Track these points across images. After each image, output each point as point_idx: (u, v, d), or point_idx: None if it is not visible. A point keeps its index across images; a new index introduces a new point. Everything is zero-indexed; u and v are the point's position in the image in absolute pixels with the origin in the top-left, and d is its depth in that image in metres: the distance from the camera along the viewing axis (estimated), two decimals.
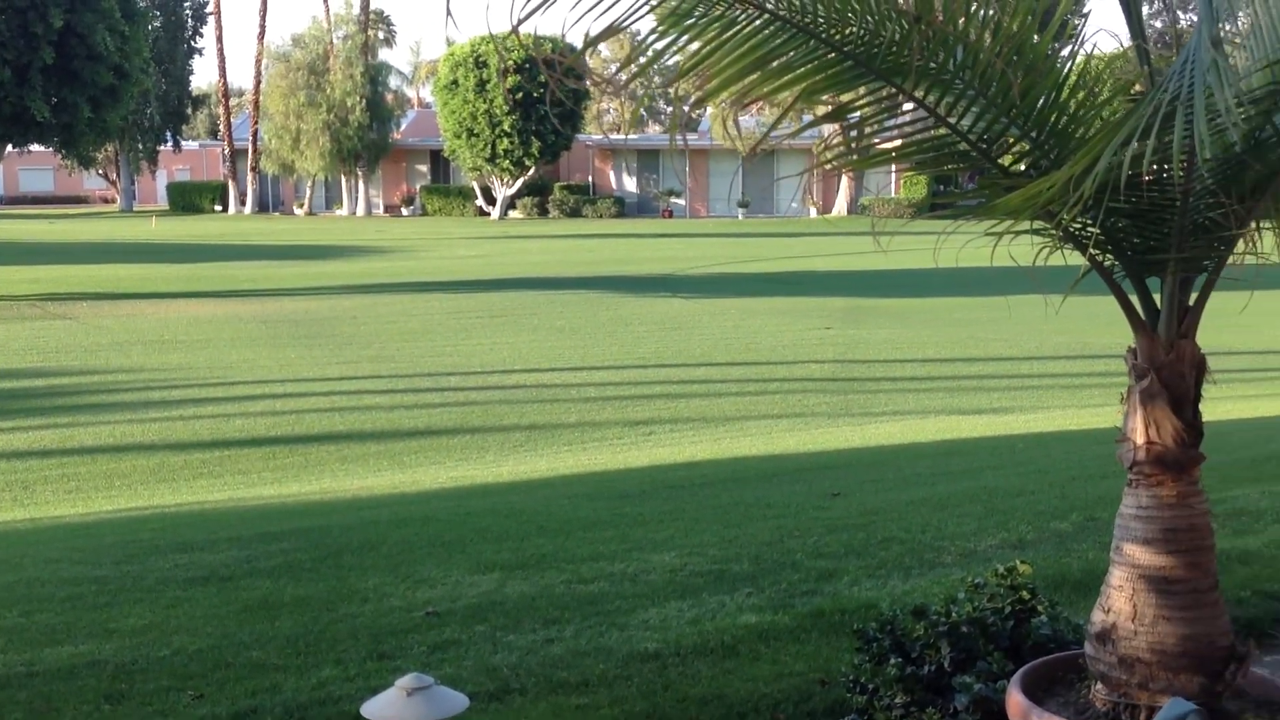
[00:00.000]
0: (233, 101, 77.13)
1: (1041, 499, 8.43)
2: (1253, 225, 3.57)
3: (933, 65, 3.30)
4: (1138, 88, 3.49)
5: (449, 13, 2.82)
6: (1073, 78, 3.39)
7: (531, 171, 62.08)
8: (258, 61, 71.94)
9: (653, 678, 5.01)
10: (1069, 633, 4.47)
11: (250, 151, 71.43)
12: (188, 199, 74.71)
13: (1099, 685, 3.57)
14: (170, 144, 76.69)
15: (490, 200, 64.51)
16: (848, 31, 3.25)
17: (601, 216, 63.63)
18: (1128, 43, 3.58)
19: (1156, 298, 3.56)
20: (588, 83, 3.37)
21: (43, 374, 19.49)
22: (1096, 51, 3.63)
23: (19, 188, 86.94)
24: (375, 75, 68.00)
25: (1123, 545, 3.57)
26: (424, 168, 72.21)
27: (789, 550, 7.10)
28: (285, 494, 11.79)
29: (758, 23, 3.24)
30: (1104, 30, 3.57)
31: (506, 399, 17.12)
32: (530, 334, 23.42)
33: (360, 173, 68.31)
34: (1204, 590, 3.50)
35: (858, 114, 3.54)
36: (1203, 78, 2.66)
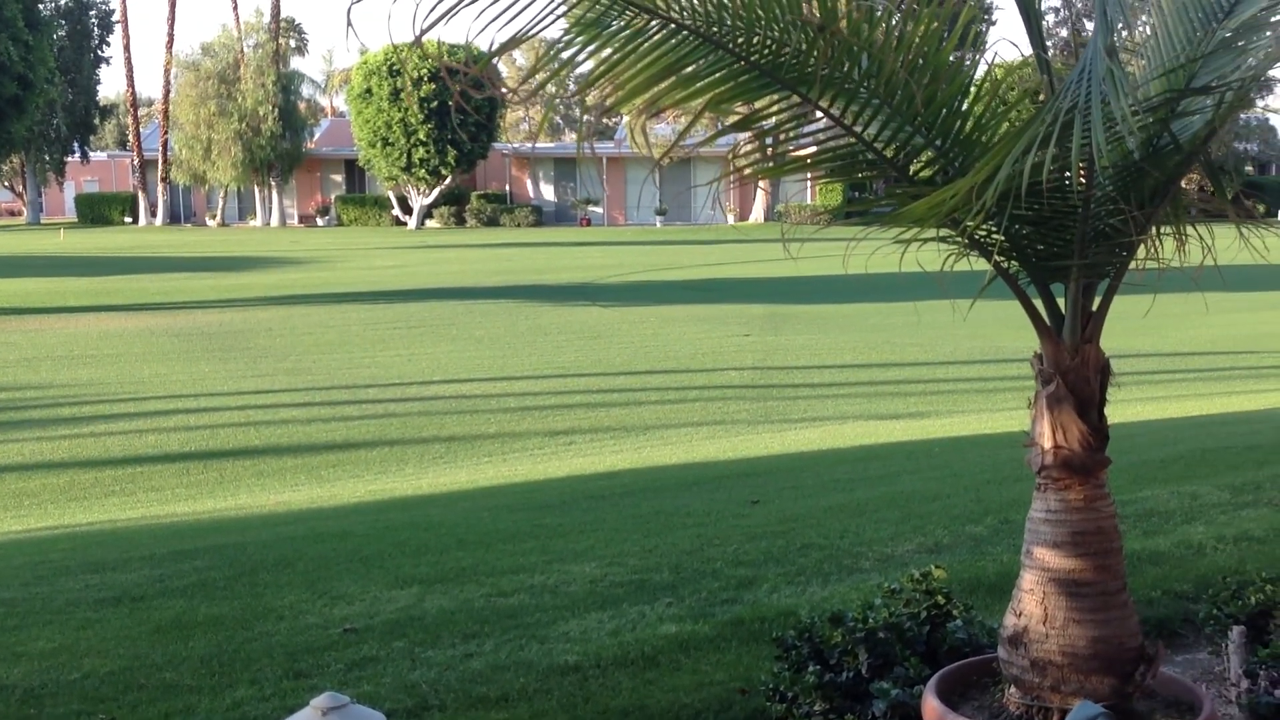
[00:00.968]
0: (142, 111, 75.75)
1: (957, 503, 8.52)
2: (1153, 231, 3.63)
3: (838, 74, 3.32)
4: (1041, 96, 3.54)
5: (349, 23, 2.78)
6: (975, 86, 3.42)
7: (448, 180, 61.75)
8: (166, 70, 70.82)
9: (573, 690, 4.98)
10: (984, 636, 4.52)
11: (160, 162, 70.25)
12: (97, 211, 73.32)
13: (1012, 688, 3.61)
14: (78, 155, 75.26)
15: (407, 210, 64.06)
16: (754, 41, 3.26)
17: (519, 225, 63.42)
18: (1030, 52, 3.63)
19: (1061, 303, 3.61)
20: (502, 90, 3.34)
21: None
22: (1000, 60, 3.68)
23: None
24: (287, 84, 67.25)
25: (1033, 549, 3.61)
26: (339, 177, 71.53)
27: (709, 559, 7.11)
28: (199, 511, 11.58)
29: (664, 32, 3.24)
30: (1006, 40, 3.62)
31: (425, 410, 16.99)
32: (449, 344, 23.27)
33: (274, 183, 67.49)
34: (1113, 592, 3.55)
35: (767, 123, 3.55)
36: (1099, 87, 2.70)
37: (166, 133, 69.61)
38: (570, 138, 74.65)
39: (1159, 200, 3.43)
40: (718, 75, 3.39)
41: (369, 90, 60.14)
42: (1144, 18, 3.81)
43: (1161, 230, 3.68)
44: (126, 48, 73.93)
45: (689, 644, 5.44)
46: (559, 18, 3.11)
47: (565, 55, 3.19)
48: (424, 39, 3.00)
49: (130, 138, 74.94)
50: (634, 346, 22.86)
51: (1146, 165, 3.27)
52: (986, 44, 3.61)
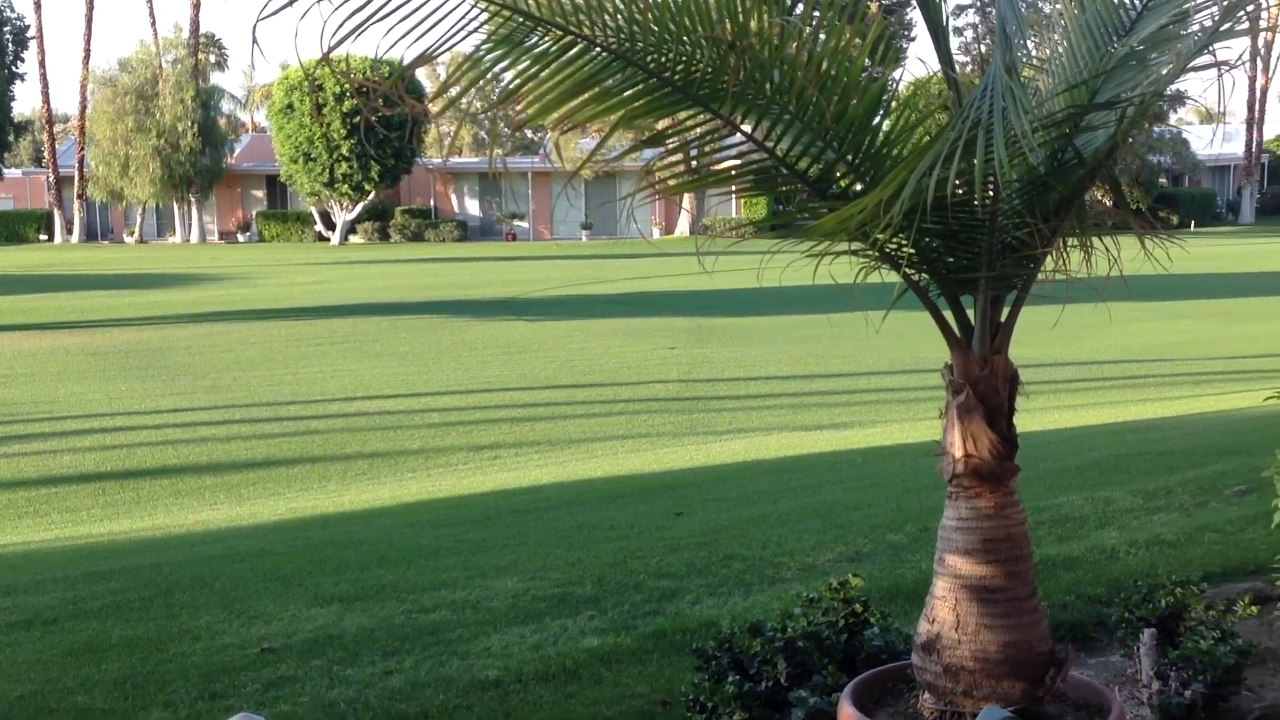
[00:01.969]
0: (58, 128, 74.34)
1: (877, 512, 8.62)
2: (1060, 243, 3.70)
3: (750, 91, 3.36)
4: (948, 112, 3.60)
5: (254, 40, 2.77)
6: (887, 102, 3.47)
7: (371, 196, 61.28)
8: (83, 86, 69.55)
9: (494, 706, 4.97)
10: (900, 643, 4.58)
11: (76, 179, 68.98)
12: (11, 228, 71.78)
13: (926, 694, 3.66)
14: None
15: (330, 225, 63.47)
16: (666, 58, 3.29)
17: (444, 240, 63.05)
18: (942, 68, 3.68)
19: (971, 314, 3.67)
20: (414, 107, 3.34)
21: None
22: (912, 77, 3.74)
23: None
24: (207, 99, 66.34)
25: (945, 556, 3.66)
26: (260, 193, 70.65)
27: (632, 571, 7.12)
28: (115, 531, 11.38)
29: (577, 49, 3.26)
30: (916, 57, 3.68)
31: (349, 427, 16.84)
32: (373, 360, 23.09)
33: (193, 199, 66.51)
34: (1023, 598, 3.61)
35: (680, 139, 3.58)
36: (1001, 104, 2.76)
37: (83, 149, 68.37)
38: (496, 152, 74.40)
39: (1064, 213, 3.50)
40: (632, 91, 3.41)
41: (290, 105, 59.54)
42: (1051, 35, 3.89)
43: (1067, 242, 3.75)
44: (42, 63, 72.48)
45: (611, 657, 5.45)
46: (469, 34, 3.12)
47: (475, 73, 3.19)
48: (346, 54, 2.99)
49: (46, 154, 73.47)
50: (559, 361, 22.83)
51: (1050, 179, 3.34)
52: (905, 59, 3.67)
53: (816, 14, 3.47)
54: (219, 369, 22.41)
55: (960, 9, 60.78)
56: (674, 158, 3.58)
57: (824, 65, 3.34)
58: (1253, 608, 5.63)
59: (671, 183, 3.73)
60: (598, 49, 3.25)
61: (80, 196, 69.51)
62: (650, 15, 3.20)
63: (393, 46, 3.07)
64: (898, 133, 3.58)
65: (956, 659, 3.54)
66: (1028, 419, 14.28)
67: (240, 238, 68.05)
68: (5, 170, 76.83)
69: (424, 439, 15.97)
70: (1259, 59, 63.99)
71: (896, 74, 3.72)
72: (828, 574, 6.42)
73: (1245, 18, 3.28)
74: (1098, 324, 23.24)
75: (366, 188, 60.12)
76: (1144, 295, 26.51)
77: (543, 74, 3.32)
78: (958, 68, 3.81)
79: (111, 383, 20.94)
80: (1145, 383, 18.87)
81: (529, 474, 13.20)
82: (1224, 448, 10.06)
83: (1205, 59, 3.35)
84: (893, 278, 3.72)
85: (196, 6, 68.86)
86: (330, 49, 2.86)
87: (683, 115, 3.46)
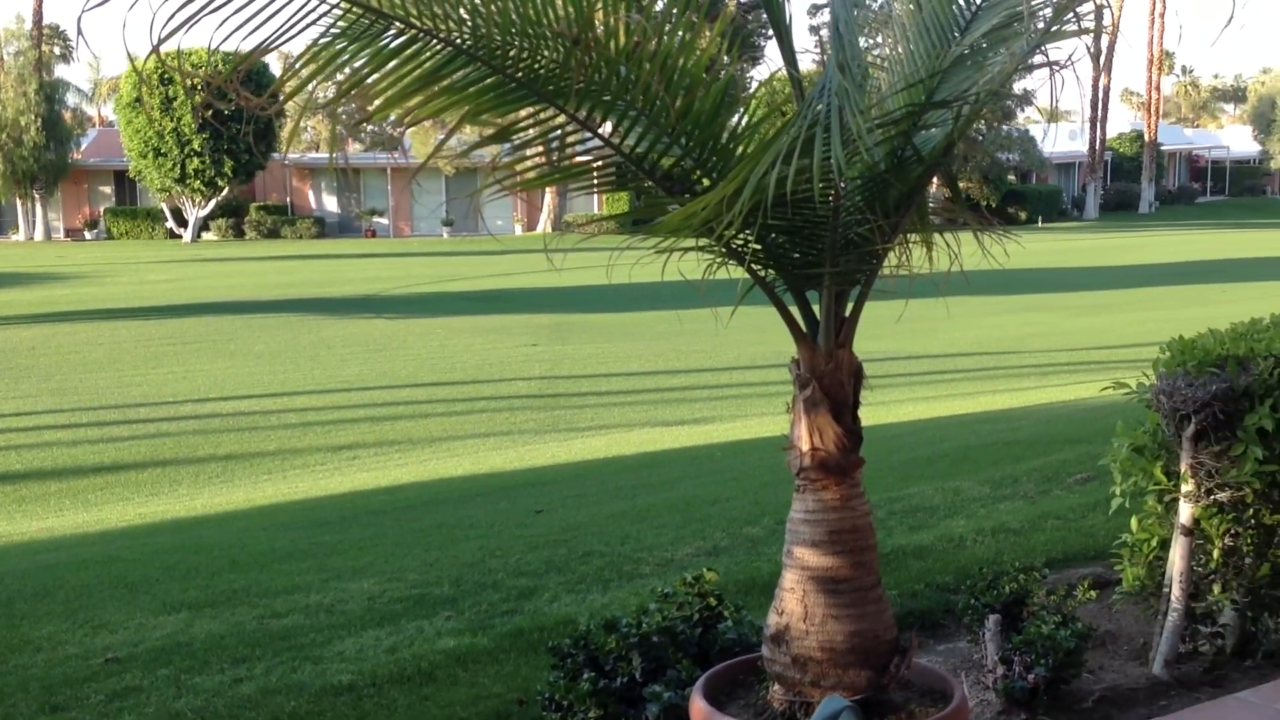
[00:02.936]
0: None
1: (736, 505, 8.71)
2: (903, 238, 3.77)
3: (595, 86, 3.35)
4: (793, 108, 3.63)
5: (79, 31, 2.67)
6: (724, 97, 3.49)
7: (225, 192, 59.89)
8: None
9: (347, 711, 4.89)
10: (754, 635, 4.62)
11: None
12: None
13: (775, 686, 3.70)
14: None
15: (181, 222, 61.85)
16: (510, 54, 3.26)
17: (301, 237, 61.92)
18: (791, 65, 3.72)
19: (817, 309, 3.72)
20: (248, 101, 3.25)
21: None
22: (755, 73, 3.77)
23: None
24: (51, 93, 64.03)
25: (793, 549, 3.71)
26: (108, 189, 68.49)
27: (490, 570, 7.08)
28: None
29: (418, 44, 3.21)
30: (766, 60, 3.71)
31: (201, 429, 16.44)
32: (227, 360, 22.58)
33: (37, 195, 64.19)
34: (868, 588, 3.67)
35: (526, 135, 3.55)
36: (838, 102, 2.80)
37: None
38: (355, 147, 73.29)
39: (905, 209, 3.56)
40: (476, 87, 3.37)
41: (139, 99, 57.86)
42: (890, 33, 3.96)
43: (909, 238, 3.82)
44: None
45: (467, 657, 5.41)
46: (307, 27, 3.05)
47: (309, 69, 3.13)
48: (196, 46, 2.91)
49: None
50: (420, 358, 22.61)
51: (890, 177, 3.40)
52: (764, 57, 3.69)
53: (661, 9, 3.48)
54: (65, 371, 21.69)
55: (816, 8, 61.65)
56: (520, 153, 3.55)
57: (669, 61, 3.34)
58: (1092, 592, 5.82)
59: (520, 179, 3.70)
60: (439, 43, 3.21)
61: None
62: (494, 9, 3.17)
63: (226, 39, 2.99)
64: (744, 129, 3.61)
65: (804, 650, 3.59)
66: (883, 411, 14.63)
67: (87, 235, 65.88)
68: None
69: (280, 440, 15.68)
70: (1100, 59, 66.28)
71: (756, 71, 3.74)
72: (686, 568, 6.46)
73: (1076, 19, 3.38)
74: (952, 317, 23.89)
75: (220, 184, 58.74)
76: (995, 289, 27.30)
77: (385, 68, 3.27)
78: (816, 65, 3.86)
79: None
80: (996, 374, 19.41)
81: (388, 474, 13.04)
82: (1067, 437, 10.38)
83: (1040, 58, 3.44)
84: (741, 273, 3.75)
85: None
86: (160, 42, 2.78)
87: (529, 111, 3.44)
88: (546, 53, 3.28)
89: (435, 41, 3.19)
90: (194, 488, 13.30)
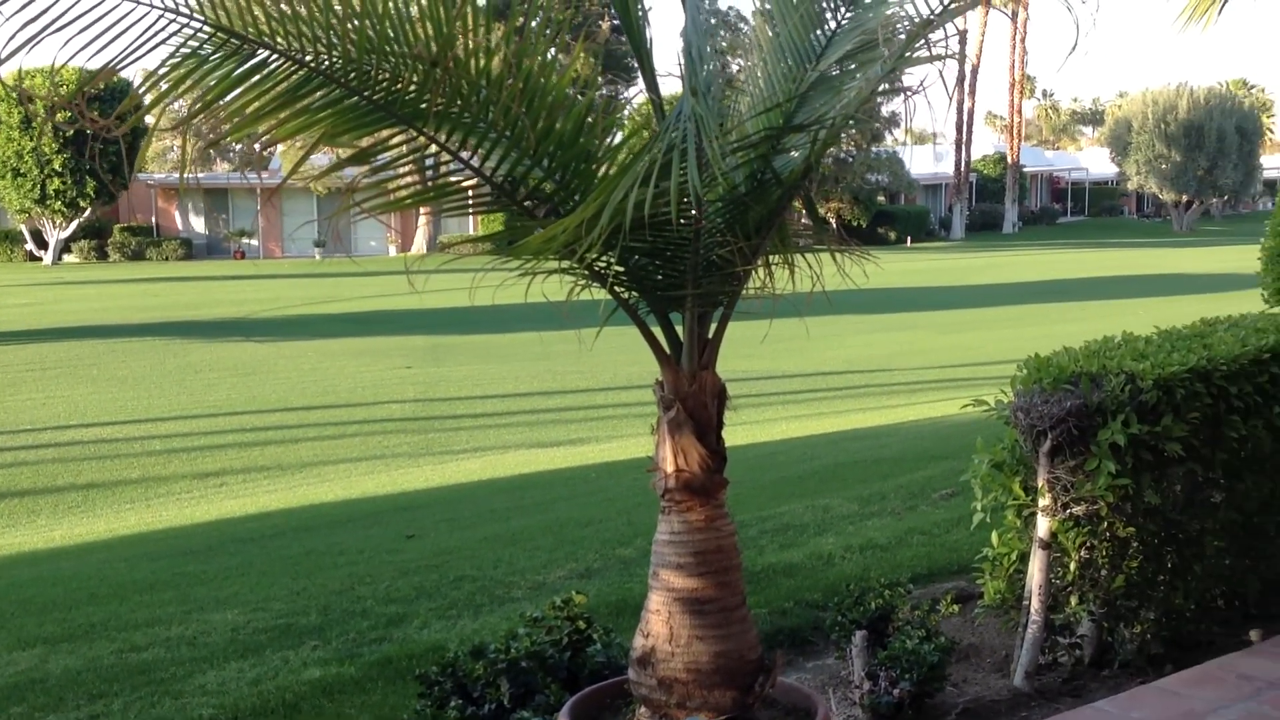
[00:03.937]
0: None
1: (609, 527, 8.70)
2: (766, 260, 3.81)
3: (454, 109, 3.33)
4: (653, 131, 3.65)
5: None
6: (585, 119, 3.49)
7: (87, 213, 58.26)
8: None
9: None
10: (623, 658, 4.61)
11: None
12: None
13: (642, 708, 3.70)
14: None
15: (42, 244, 59.95)
16: (367, 76, 3.22)
17: (167, 259, 60.46)
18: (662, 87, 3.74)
19: (680, 331, 3.73)
20: (94, 121, 3.16)
21: None
22: (631, 94, 3.77)
23: None
24: None
25: (659, 571, 3.71)
26: None
27: (359, 598, 6.97)
28: None
29: (274, 65, 3.16)
30: (633, 77, 3.72)
31: (61, 457, 15.92)
32: (89, 386, 21.91)
33: None
34: (733, 608, 3.69)
35: (387, 155, 3.52)
36: (693, 127, 2.82)
37: None
38: (222, 167, 71.84)
39: (765, 231, 3.60)
40: (333, 109, 3.33)
41: None
42: (750, 57, 4.00)
43: (771, 260, 3.86)
44: None
45: (333, 688, 5.31)
46: (157, 47, 2.98)
47: (158, 90, 3.06)
48: (43, 65, 2.82)
49: None
50: (291, 382, 22.20)
51: (749, 199, 3.43)
52: (637, 79, 3.69)
53: (523, 31, 3.47)
54: None
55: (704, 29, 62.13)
56: (382, 176, 3.51)
57: (530, 83, 3.34)
58: (955, 606, 5.93)
59: (381, 201, 3.66)
60: (294, 64, 3.16)
61: None
62: (350, 28, 3.13)
63: (73, 57, 2.91)
64: (605, 152, 3.61)
65: (670, 671, 3.59)
66: (756, 430, 14.76)
67: None
68: None
69: (144, 468, 15.26)
70: (955, 83, 68.08)
71: (631, 92, 3.75)
72: (558, 591, 6.42)
73: (928, 46, 3.45)
74: (825, 336, 24.24)
75: (81, 204, 57.11)
76: (866, 308, 27.80)
77: (238, 89, 3.20)
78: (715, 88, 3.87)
79: None
80: (865, 392, 19.72)
81: (257, 500, 12.78)
82: (932, 453, 10.59)
83: (897, 83, 3.50)
84: (604, 295, 3.75)
85: None
86: (2, 60, 2.69)
87: (387, 133, 3.40)
88: (406, 74, 3.25)
89: (289, 62, 3.14)
90: (53, 518, 12.87)
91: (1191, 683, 5.20)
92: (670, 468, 3.69)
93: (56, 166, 55.63)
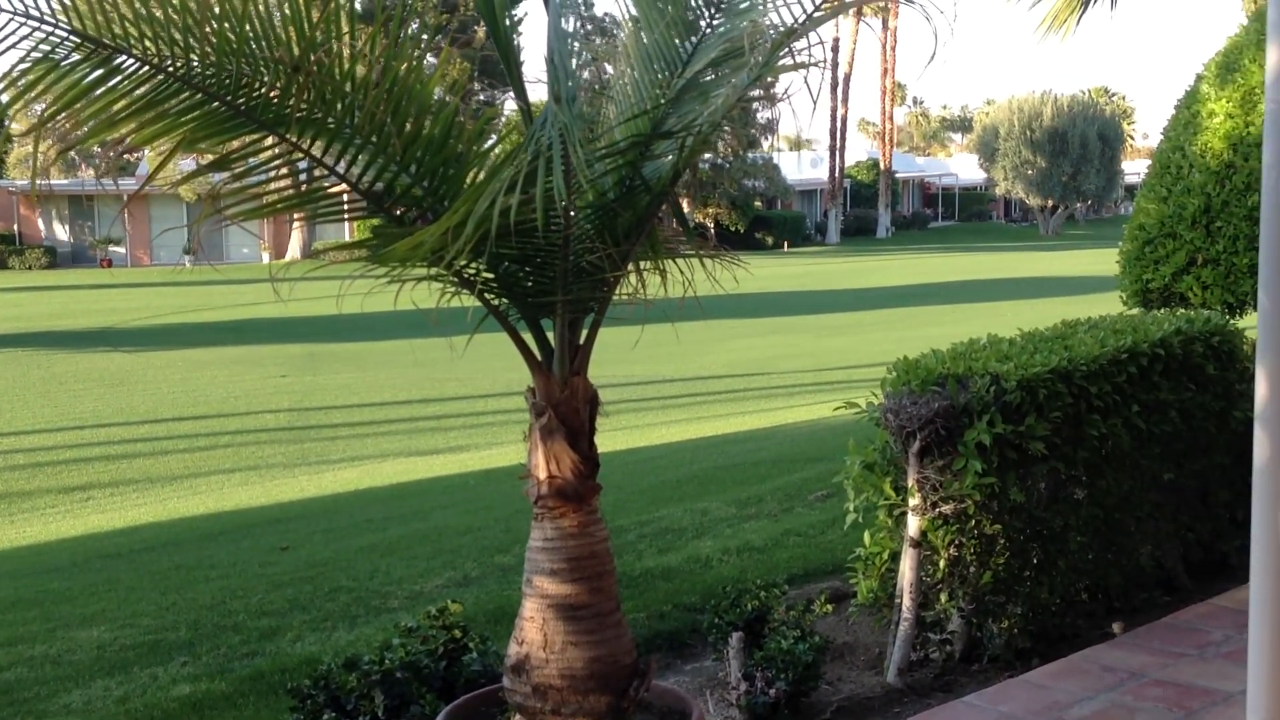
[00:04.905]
0: None
1: (488, 534, 8.66)
2: (637, 265, 3.82)
3: (317, 114, 3.28)
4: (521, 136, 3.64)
5: None
6: (452, 124, 3.47)
7: None
8: None
9: None
10: (499, 666, 4.58)
11: None
12: None
13: (517, 716, 3.69)
14: None
15: None
16: (226, 80, 3.16)
17: (31, 268, 58.61)
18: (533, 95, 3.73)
19: (552, 337, 3.73)
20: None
21: None
22: (489, 101, 3.76)
23: None
24: None
25: (533, 578, 3.70)
26: None
27: (231, 612, 6.84)
28: None
29: (129, 69, 3.09)
30: (496, 84, 3.70)
31: None
32: None
33: None
34: (607, 613, 3.69)
35: (248, 162, 3.45)
36: (559, 134, 2.82)
37: None
38: (87, 174, 69.89)
39: (635, 238, 3.61)
40: (192, 115, 3.26)
41: None
42: (621, 64, 4.01)
43: (642, 266, 3.87)
44: None
45: (204, 704, 5.20)
46: (4, 51, 2.89)
47: (14, 92, 2.97)
48: None
49: None
50: (161, 393, 21.69)
51: (619, 206, 3.45)
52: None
53: (388, 36, 3.44)
54: None
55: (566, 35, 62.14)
56: (243, 182, 3.44)
57: (395, 88, 3.30)
58: (829, 606, 6.02)
59: (244, 207, 3.59)
60: (151, 69, 3.09)
61: None
62: (209, 32, 3.07)
63: None
64: (476, 157, 3.59)
65: (545, 678, 3.59)
66: (637, 435, 14.80)
67: None
68: None
69: (6, 483, 14.79)
70: (837, 91, 69.15)
71: (509, 98, 3.73)
72: (436, 601, 6.35)
73: (791, 54, 3.49)
74: (704, 341, 24.43)
75: None
76: (746, 313, 28.04)
77: (93, 94, 3.12)
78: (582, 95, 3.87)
79: None
80: (745, 396, 19.91)
81: (125, 515, 12.45)
82: (809, 455, 10.73)
83: (765, 89, 3.54)
84: (474, 301, 3.73)
85: None
86: None
87: (249, 139, 3.34)
88: (268, 79, 3.19)
89: (147, 67, 3.07)
90: None
91: (1057, 675, 5.35)
92: (543, 474, 3.69)
93: None
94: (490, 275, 3.58)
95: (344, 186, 3.56)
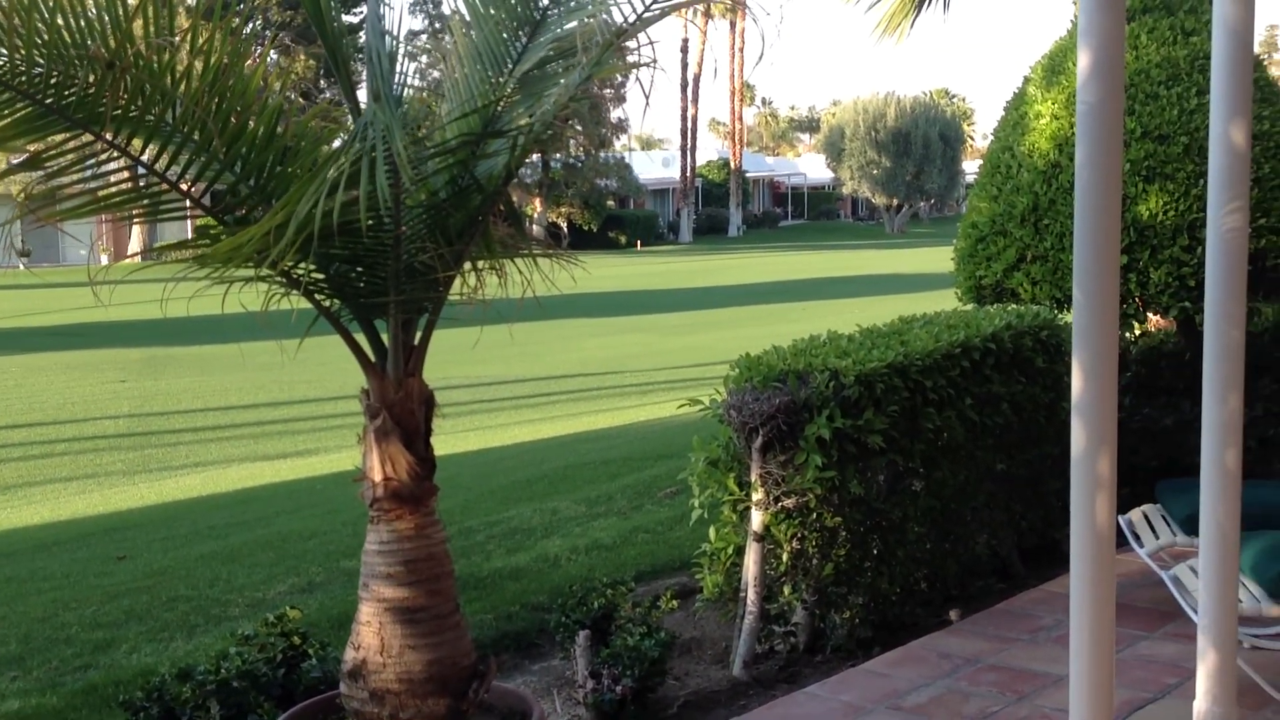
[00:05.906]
0: None
1: (334, 539, 8.51)
2: (471, 265, 3.79)
3: (134, 111, 3.18)
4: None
5: None
6: (278, 121, 3.40)
7: None
8: None
9: None
10: (339, 672, 4.52)
11: None
12: None
13: None
14: None
15: None
16: (37, 78, 3.05)
17: None
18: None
19: (386, 338, 3.68)
20: None
21: None
22: (335, 100, 3.69)
23: None
24: None
25: (369, 582, 3.66)
26: None
27: (64, 624, 6.61)
28: None
29: None
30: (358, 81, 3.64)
31: None
32: None
33: None
34: (446, 615, 3.66)
35: (62, 161, 3.33)
36: (381, 134, 2.78)
37: None
38: None
39: (468, 237, 3.59)
40: (4, 112, 3.13)
41: None
42: (452, 63, 3.98)
43: (478, 265, 3.84)
44: None
45: (34, 719, 5.01)
46: None
47: None
48: None
49: None
50: None
51: (450, 206, 3.42)
52: (360, 83, 3.60)
53: (209, 30, 3.35)
54: None
55: (414, 33, 61.55)
56: (58, 181, 3.33)
57: (216, 84, 3.22)
58: (674, 602, 6.06)
59: (62, 207, 3.47)
60: None
61: None
62: (16, 28, 2.95)
63: None
64: (302, 153, 3.52)
65: (382, 682, 3.55)
66: (488, 435, 14.71)
67: None
68: None
69: None
70: (687, 90, 69.73)
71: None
72: (279, 607, 6.24)
73: (622, 53, 3.50)
74: (558, 340, 24.39)
75: None
76: (599, 311, 28.09)
77: None
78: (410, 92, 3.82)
79: None
80: (598, 394, 19.93)
81: None
82: (659, 453, 10.79)
83: (609, 87, 3.54)
84: (305, 303, 3.66)
85: None
86: None
87: (61, 138, 3.23)
88: (79, 77, 3.09)
89: None
90: None
91: (896, 663, 5.47)
92: (378, 476, 3.64)
93: None
94: (321, 276, 3.52)
95: (167, 186, 3.46)
